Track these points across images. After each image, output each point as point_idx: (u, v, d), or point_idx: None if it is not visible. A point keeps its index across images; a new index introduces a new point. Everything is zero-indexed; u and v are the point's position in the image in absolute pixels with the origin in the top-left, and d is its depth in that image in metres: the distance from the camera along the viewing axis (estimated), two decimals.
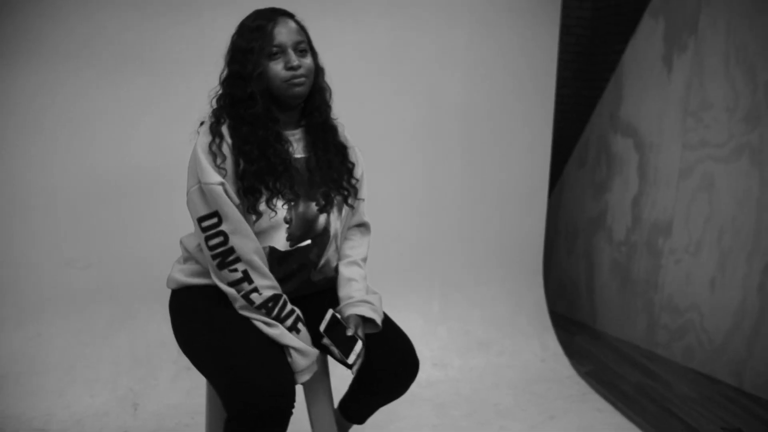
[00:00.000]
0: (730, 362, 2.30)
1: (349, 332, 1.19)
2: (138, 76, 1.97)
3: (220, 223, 1.16)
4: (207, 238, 1.17)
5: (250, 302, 1.17)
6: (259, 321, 1.18)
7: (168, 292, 1.37)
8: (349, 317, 1.24)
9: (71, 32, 1.90)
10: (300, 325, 1.20)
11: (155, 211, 2.02)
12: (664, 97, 2.53)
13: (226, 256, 1.16)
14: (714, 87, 2.32)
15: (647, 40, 2.60)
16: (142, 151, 2.01)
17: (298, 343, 1.17)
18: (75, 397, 1.91)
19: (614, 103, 2.78)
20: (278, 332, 1.17)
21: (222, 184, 1.15)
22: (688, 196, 2.44)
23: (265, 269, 1.19)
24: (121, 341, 2.05)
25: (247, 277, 1.17)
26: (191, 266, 1.30)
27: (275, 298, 1.18)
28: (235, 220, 1.16)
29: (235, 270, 1.16)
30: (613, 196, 2.80)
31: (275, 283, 1.20)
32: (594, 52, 3.58)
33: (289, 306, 1.20)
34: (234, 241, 1.16)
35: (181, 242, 1.36)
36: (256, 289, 1.17)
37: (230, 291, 1.18)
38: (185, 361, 2.03)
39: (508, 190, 2.53)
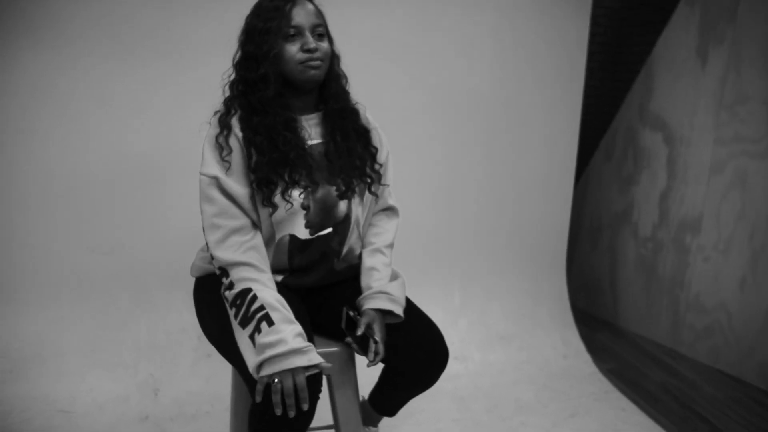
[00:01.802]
0: (759, 364, 2.24)
1: (359, 332, 1.16)
2: (154, 60, 1.94)
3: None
4: (204, 227, 1.17)
5: (226, 299, 1.14)
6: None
7: (191, 280, 1.37)
8: (363, 313, 1.20)
9: (90, 16, 1.89)
10: (263, 325, 1.06)
11: (178, 198, 2.01)
12: (696, 90, 2.45)
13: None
14: (752, 80, 2.24)
15: (681, 30, 2.52)
16: (166, 136, 2.00)
17: (251, 352, 1.07)
18: (97, 381, 1.92)
19: (644, 95, 2.70)
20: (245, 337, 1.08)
21: (216, 178, 1.14)
22: (720, 192, 2.37)
23: (249, 259, 1.13)
24: (141, 327, 2.06)
25: (224, 272, 1.14)
26: None
27: (242, 294, 1.10)
28: (217, 214, 1.14)
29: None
30: (640, 191, 2.73)
31: (252, 273, 1.12)
32: (621, 44, 3.49)
33: (257, 303, 1.08)
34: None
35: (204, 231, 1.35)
36: (231, 285, 1.12)
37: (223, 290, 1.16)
38: (205, 348, 2.04)
39: (533, 182, 2.48)
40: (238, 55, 1.19)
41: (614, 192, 2.89)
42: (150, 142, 2.00)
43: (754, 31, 2.23)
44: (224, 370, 1.97)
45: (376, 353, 1.15)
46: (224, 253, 1.13)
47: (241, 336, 1.08)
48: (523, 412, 1.98)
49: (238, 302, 1.10)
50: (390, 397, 1.36)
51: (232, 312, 1.11)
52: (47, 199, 1.96)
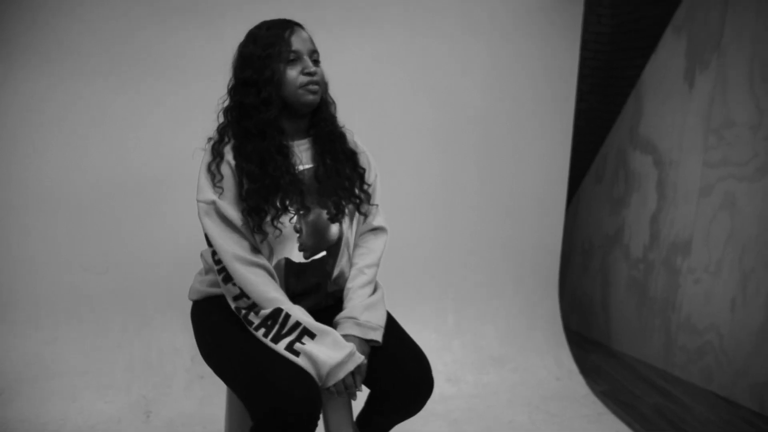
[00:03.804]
0: (751, 386, 2.25)
1: None
2: (150, 78, 1.97)
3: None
4: (212, 253, 1.19)
5: (249, 323, 1.15)
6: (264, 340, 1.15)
7: (186, 301, 1.37)
8: None
9: (90, 32, 1.91)
10: (306, 338, 1.13)
11: (173, 217, 2.02)
12: (685, 113, 2.50)
13: (224, 271, 1.17)
14: (737, 104, 2.29)
15: (669, 55, 2.58)
16: (162, 155, 2.02)
17: (300, 360, 1.12)
18: (89, 403, 1.90)
19: (633, 118, 2.76)
20: (280, 349, 1.13)
21: (213, 202, 1.16)
22: (709, 214, 2.41)
23: (267, 280, 1.17)
24: (135, 348, 2.05)
25: (243, 294, 1.16)
26: (211, 277, 1.30)
27: (274, 315, 1.14)
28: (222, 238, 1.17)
29: (235, 285, 1.16)
30: (630, 213, 2.76)
31: (278, 294, 1.16)
32: (612, 68, 3.56)
33: (292, 320, 1.14)
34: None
35: (201, 255, 1.36)
36: (253, 306, 1.15)
37: (234, 307, 1.18)
38: (198, 370, 2.03)
39: (525, 204, 2.51)
40: (232, 82, 1.22)
41: (605, 214, 2.92)
42: (146, 160, 2.01)
43: (738, 57, 2.29)
44: (218, 391, 1.96)
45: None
46: (242, 278, 1.15)
47: (276, 349, 1.13)
48: None
49: (269, 323, 1.14)
50: (375, 422, 1.33)
51: (260, 332, 1.14)
52: (41, 217, 1.96)
